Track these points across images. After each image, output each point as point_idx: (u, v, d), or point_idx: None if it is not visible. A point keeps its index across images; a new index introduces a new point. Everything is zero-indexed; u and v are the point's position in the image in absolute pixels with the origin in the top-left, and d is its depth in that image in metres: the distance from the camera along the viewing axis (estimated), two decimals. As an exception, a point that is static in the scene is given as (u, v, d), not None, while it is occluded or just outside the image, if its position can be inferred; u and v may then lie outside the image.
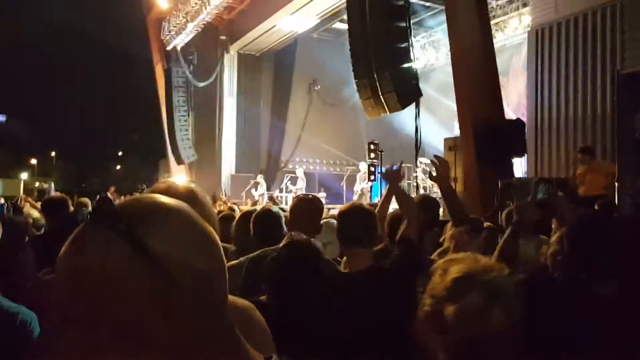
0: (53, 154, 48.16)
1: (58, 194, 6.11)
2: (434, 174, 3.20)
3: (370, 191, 14.43)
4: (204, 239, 0.72)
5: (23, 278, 2.46)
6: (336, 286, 2.50)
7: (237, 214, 3.88)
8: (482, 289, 1.08)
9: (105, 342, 0.65)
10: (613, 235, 2.18)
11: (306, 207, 2.95)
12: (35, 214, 5.60)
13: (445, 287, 1.11)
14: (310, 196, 3.26)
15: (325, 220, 3.55)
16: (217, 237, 0.74)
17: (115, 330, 0.65)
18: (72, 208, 5.75)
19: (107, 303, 0.64)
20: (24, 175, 32.76)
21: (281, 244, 2.21)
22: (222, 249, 0.74)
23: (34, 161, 44.83)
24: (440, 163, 3.14)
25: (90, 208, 7.23)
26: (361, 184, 15.35)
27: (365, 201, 13.42)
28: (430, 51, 18.64)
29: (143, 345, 0.65)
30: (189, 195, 1.31)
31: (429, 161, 14.04)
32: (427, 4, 16.24)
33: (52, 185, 16.58)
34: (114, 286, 0.64)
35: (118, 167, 49.33)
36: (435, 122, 16.34)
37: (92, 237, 0.67)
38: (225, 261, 0.75)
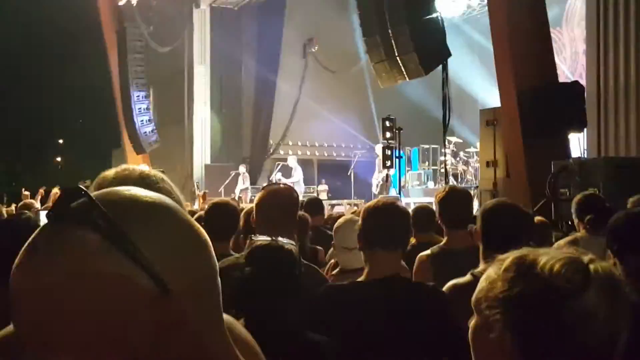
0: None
1: None
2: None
3: (387, 181, 14.45)
4: (193, 237, 0.75)
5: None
6: (328, 298, 2.54)
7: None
8: (596, 286, 1.07)
9: None
10: None
11: (275, 201, 2.89)
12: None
13: (547, 284, 1.07)
14: (280, 185, 3.27)
15: (347, 218, 3.62)
16: (206, 235, 0.77)
17: (101, 351, 0.66)
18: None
19: (92, 319, 0.65)
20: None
21: (243, 253, 2.19)
22: (212, 248, 0.77)
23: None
24: None
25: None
26: (380, 173, 15.30)
27: (385, 193, 13.45)
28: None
29: None
30: (144, 182, 1.30)
31: (460, 140, 14.05)
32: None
33: None
34: (99, 297, 0.65)
35: (58, 159, 49.29)
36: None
37: (64, 238, 0.67)
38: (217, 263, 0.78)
